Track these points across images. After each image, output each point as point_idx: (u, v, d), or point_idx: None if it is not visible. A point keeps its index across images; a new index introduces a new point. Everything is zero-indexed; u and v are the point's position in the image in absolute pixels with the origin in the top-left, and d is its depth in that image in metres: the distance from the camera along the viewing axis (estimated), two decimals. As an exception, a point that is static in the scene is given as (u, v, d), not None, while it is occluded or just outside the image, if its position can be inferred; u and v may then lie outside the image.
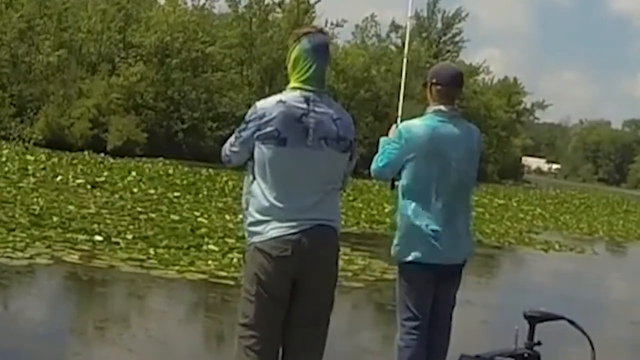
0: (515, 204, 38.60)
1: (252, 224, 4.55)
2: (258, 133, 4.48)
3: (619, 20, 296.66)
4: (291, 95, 4.55)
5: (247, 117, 4.57)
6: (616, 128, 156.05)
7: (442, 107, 5.76)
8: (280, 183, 4.48)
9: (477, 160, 5.95)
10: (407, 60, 7.60)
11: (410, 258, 5.72)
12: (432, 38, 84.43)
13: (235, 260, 12.28)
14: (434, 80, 5.83)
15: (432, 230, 5.65)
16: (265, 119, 4.47)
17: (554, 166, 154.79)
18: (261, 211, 4.49)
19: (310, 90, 4.55)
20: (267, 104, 4.53)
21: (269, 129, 4.45)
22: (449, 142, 5.70)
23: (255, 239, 4.51)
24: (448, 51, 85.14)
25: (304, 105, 4.51)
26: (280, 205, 4.45)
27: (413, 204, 5.70)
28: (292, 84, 4.60)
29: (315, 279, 4.52)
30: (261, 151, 4.49)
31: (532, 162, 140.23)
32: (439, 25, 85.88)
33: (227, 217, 17.78)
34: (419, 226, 5.67)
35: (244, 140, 4.56)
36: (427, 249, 5.66)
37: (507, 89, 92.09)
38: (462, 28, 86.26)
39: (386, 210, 24.37)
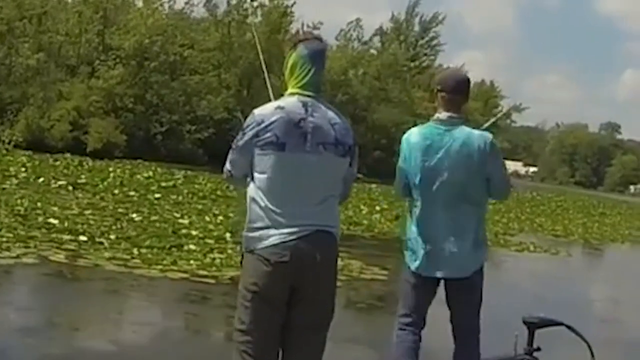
0: (491, 206, 38.77)
1: (250, 230, 4.51)
2: (256, 139, 4.45)
3: (604, 23, 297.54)
4: (289, 101, 4.54)
5: (244, 126, 4.54)
6: (593, 131, 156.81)
7: (439, 115, 5.78)
8: (279, 189, 4.45)
9: (481, 169, 5.70)
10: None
11: (411, 267, 5.80)
12: (409, 41, 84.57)
13: (216, 260, 12.61)
14: (439, 88, 5.88)
15: (433, 242, 5.69)
16: (263, 124, 4.44)
17: (531, 169, 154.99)
18: (260, 217, 4.46)
19: (308, 96, 4.55)
20: (265, 111, 4.51)
21: (267, 134, 4.43)
22: (444, 149, 5.68)
23: (254, 245, 4.47)
24: (425, 54, 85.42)
25: (302, 111, 4.50)
26: (278, 211, 4.42)
27: (416, 213, 5.75)
28: (290, 89, 4.60)
29: (314, 285, 4.48)
30: (260, 157, 4.46)
31: (509, 165, 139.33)
32: (417, 28, 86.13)
33: (207, 218, 18.09)
34: (421, 236, 5.73)
35: (242, 147, 4.53)
36: (427, 261, 5.71)
37: (484, 93, 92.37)
38: (440, 32, 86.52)
39: (363, 212, 24.68)
